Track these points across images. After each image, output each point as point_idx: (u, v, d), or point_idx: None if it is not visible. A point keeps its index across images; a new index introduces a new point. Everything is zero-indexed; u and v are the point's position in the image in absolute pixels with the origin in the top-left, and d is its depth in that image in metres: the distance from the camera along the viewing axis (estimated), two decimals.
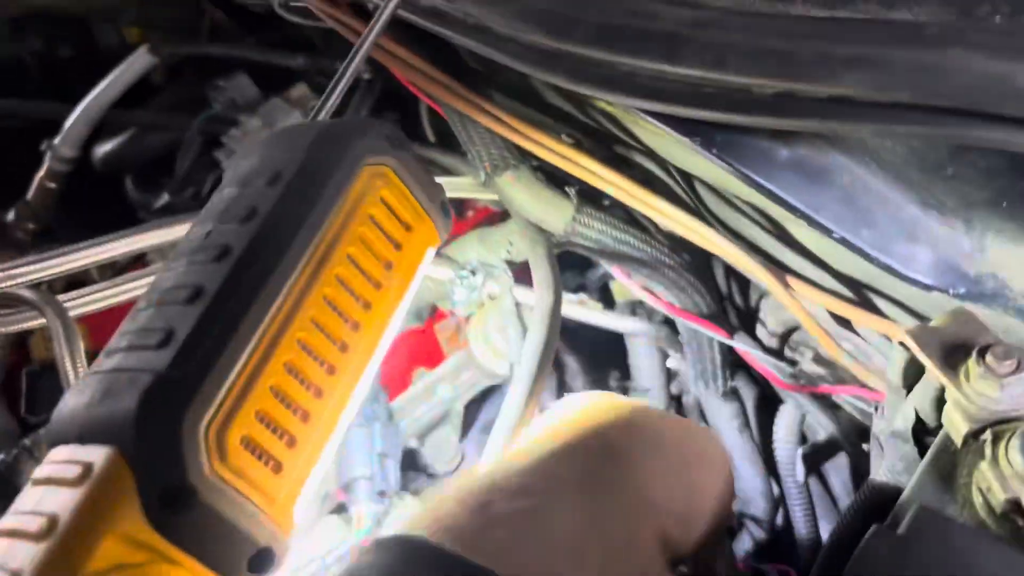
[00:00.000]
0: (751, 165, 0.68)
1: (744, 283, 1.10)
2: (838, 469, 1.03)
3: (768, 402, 1.09)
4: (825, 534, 1.02)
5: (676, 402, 1.26)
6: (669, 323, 1.13)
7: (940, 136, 0.59)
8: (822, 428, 0.96)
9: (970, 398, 0.56)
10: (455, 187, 1.05)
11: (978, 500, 0.56)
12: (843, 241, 0.68)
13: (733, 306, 1.13)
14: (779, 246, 0.91)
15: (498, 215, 1.16)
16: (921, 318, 0.82)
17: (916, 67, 0.56)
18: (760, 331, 1.07)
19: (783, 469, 1.00)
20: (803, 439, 1.03)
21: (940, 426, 0.67)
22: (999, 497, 0.52)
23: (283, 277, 0.54)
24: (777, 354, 1.06)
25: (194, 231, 0.58)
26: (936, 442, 0.60)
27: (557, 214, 0.92)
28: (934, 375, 0.60)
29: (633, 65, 0.67)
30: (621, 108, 0.89)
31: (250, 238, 0.54)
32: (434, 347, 1.19)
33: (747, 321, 1.10)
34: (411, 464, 1.17)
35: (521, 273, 1.06)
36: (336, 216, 0.59)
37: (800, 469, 0.95)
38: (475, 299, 1.03)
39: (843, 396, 0.94)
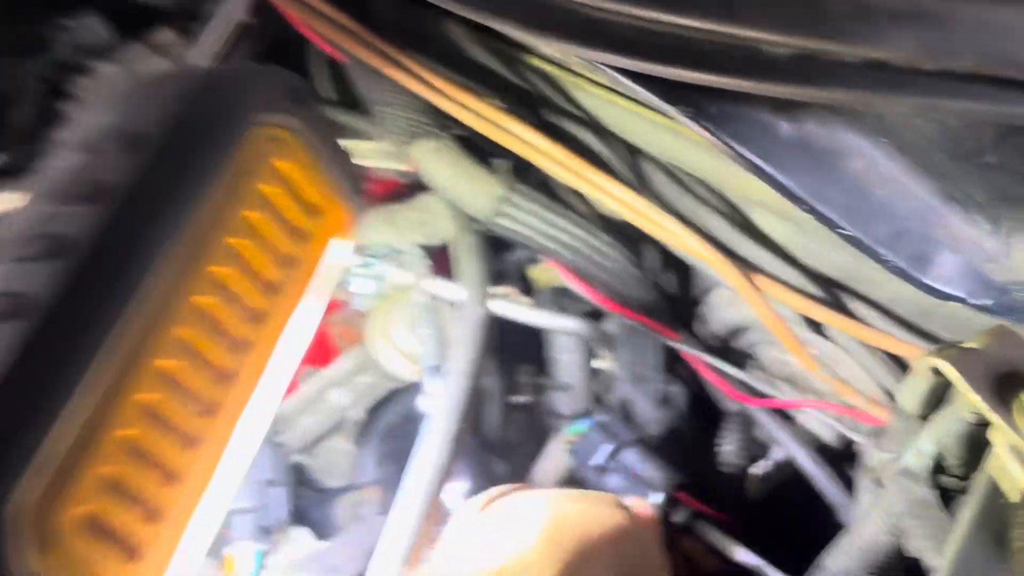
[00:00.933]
0: (748, 143, 0.55)
1: (682, 275, 0.98)
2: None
3: (707, 409, 0.98)
4: None
5: (597, 401, 1.13)
6: (596, 315, 1.00)
7: (1002, 116, 0.47)
8: (777, 444, 0.85)
9: None
10: (359, 153, 0.89)
11: None
12: (852, 239, 0.57)
13: (669, 301, 1.01)
14: (738, 235, 0.79)
15: (407, 188, 1.00)
16: (906, 325, 0.72)
17: (983, 27, 0.44)
18: (699, 329, 0.96)
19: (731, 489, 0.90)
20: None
21: (966, 468, 0.57)
22: None
23: (140, 284, 0.38)
24: (724, 355, 0.95)
25: (21, 213, 0.41)
26: (977, 493, 0.49)
27: (484, 193, 0.77)
28: (978, 409, 0.49)
29: (607, 8, 0.53)
30: (567, 68, 0.75)
31: (96, 227, 0.38)
32: (325, 342, 1.02)
33: (686, 315, 0.98)
34: (295, 477, 1.00)
35: (437, 258, 0.91)
36: (215, 194, 0.43)
37: (752, 489, 0.84)
38: (378, 291, 0.87)
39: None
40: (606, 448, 0.84)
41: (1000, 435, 0.46)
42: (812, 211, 0.57)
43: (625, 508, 0.68)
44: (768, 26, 0.49)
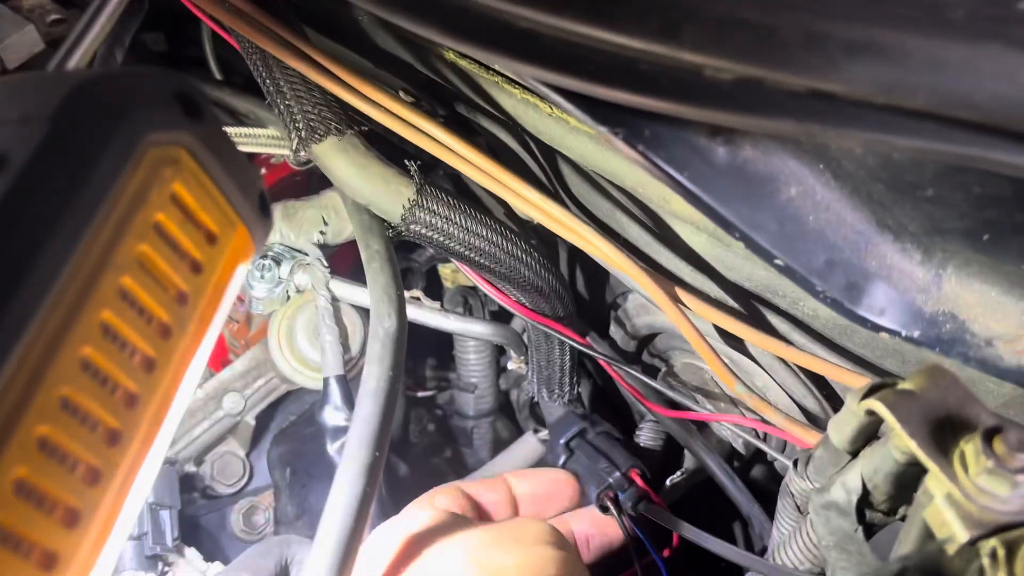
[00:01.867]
0: (681, 167, 0.52)
1: (599, 279, 0.96)
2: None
3: (617, 413, 0.96)
4: None
5: (506, 396, 1.10)
6: (507, 315, 0.97)
7: (951, 156, 0.45)
8: (689, 452, 0.84)
9: (970, 496, 0.43)
10: (252, 141, 0.82)
11: None
12: (786, 270, 0.54)
13: (583, 304, 0.99)
14: (656, 245, 0.76)
15: (306, 179, 0.93)
16: (826, 342, 0.71)
17: (939, 65, 0.42)
18: (615, 332, 0.94)
19: None
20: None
21: (893, 503, 0.56)
22: None
23: (15, 344, 0.33)
24: (637, 360, 0.93)
25: None
26: (910, 538, 0.48)
27: (394, 195, 0.72)
28: (915, 456, 0.47)
29: (540, 22, 0.48)
30: (484, 65, 0.71)
31: None
32: (217, 342, 0.95)
33: (597, 319, 0.96)
34: (185, 483, 0.94)
35: (341, 258, 0.85)
36: (101, 229, 0.37)
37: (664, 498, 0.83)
38: (278, 295, 0.81)
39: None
40: (576, 428, 0.86)
41: (938, 484, 0.45)
42: (745, 239, 0.54)
43: (561, 544, 0.64)
44: (716, 51, 0.45)
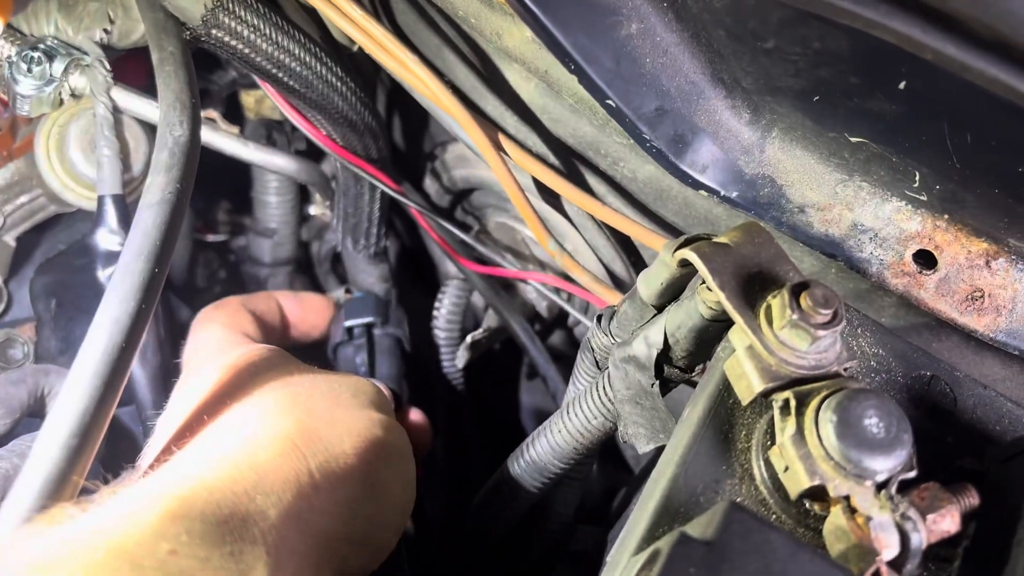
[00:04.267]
0: None
1: (417, 125, 0.90)
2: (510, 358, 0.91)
3: (426, 270, 0.93)
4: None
5: (305, 249, 1.04)
6: (313, 155, 0.90)
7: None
8: (493, 311, 0.82)
9: (771, 349, 0.43)
10: None
11: (760, 475, 0.45)
12: (616, 112, 0.52)
13: (399, 151, 0.93)
14: (484, 90, 0.72)
15: None
16: (639, 206, 0.70)
17: None
18: (429, 184, 0.89)
19: (443, 354, 0.86)
20: (473, 322, 0.89)
21: (690, 360, 0.56)
22: (801, 482, 0.41)
23: None
24: (450, 215, 0.89)
25: None
26: (708, 391, 0.48)
27: None
28: (723, 307, 0.47)
29: None
30: None
31: None
32: None
33: (413, 169, 0.91)
34: None
35: (130, 71, 0.75)
36: None
37: (463, 356, 0.81)
38: (49, 96, 0.70)
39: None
40: (368, 319, 0.81)
41: (740, 336, 0.45)
42: (579, 72, 0.51)
43: (387, 408, 0.61)
44: None
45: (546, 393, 0.84)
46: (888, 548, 0.39)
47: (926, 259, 0.54)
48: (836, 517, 0.41)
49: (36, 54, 0.69)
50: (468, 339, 0.82)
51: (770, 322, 0.43)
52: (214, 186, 1.02)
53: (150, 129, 0.73)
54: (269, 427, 0.49)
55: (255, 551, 0.42)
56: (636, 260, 0.75)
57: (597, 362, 0.62)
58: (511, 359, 0.89)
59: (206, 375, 0.56)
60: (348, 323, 0.80)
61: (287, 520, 0.45)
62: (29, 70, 0.69)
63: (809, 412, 0.42)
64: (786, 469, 0.42)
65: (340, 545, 0.50)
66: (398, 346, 0.81)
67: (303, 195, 0.96)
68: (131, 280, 0.48)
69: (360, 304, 0.82)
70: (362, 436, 0.53)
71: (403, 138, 0.92)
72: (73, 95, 0.71)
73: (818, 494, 0.42)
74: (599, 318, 0.60)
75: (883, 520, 0.40)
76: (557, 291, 0.79)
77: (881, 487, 0.40)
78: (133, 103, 0.71)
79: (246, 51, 0.65)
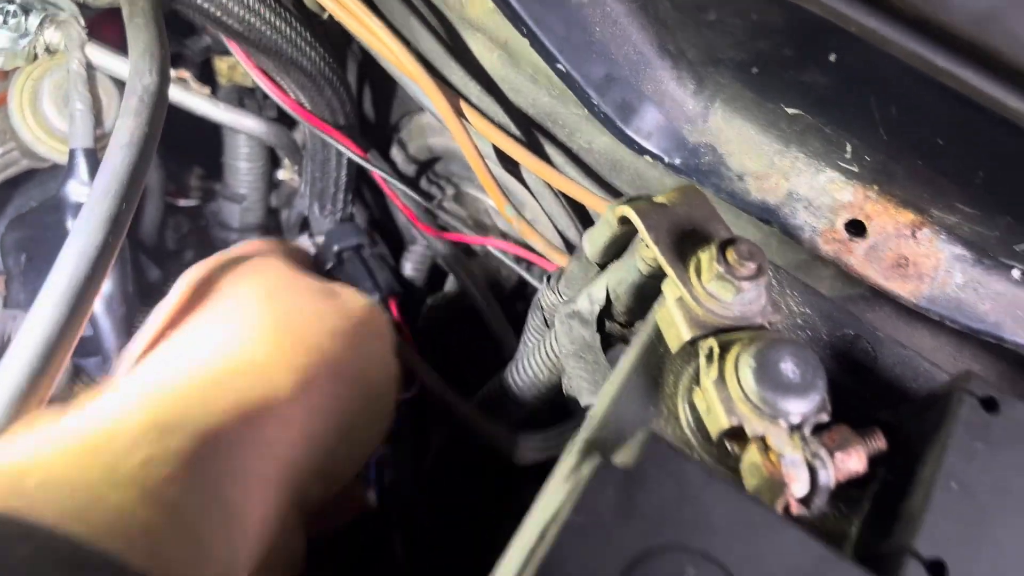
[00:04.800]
0: None
1: (385, 94, 0.93)
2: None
3: (392, 236, 0.95)
4: None
5: (274, 216, 1.06)
6: (283, 122, 0.92)
7: None
8: (454, 276, 0.85)
9: (699, 300, 0.46)
10: None
11: (685, 417, 0.48)
12: (567, 77, 0.54)
13: (366, 118, 0.96)
14: (448, 59, 0.74)
15: None
16: (595, 176, 0.73)
17: None
18: (396, 154, 0.92)
19: None
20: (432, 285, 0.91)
21: (631, 316, 0.59)
22: (720, 422, 0.44)
23: None
24: (414, 184, 0.91)
25: None
26: (641, 340, 0.51)
27: None
28: (656, 261, 0.50)
29: None
30: None
31: None
32: None
33: (380, 139, 0.93)
34: None
35: (106, 31, 0.76)
36: None
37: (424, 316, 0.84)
38: (24, 50, 0.72)
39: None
40: (355, 240, 0.85)
41: (672, 288, 0.48)
42: (532, 37, 0.54)
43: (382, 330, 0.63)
44: None
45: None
46: (798, 482, 0.42)
47: (856, 228, 0.58)
48: (752, 454, 0.43)
49: (12, 7, 0.70)
50: (428, 301, 0.84)
51: (699, 275, 0.46)
52: (187, 151, 1.04)
53: (122, 86, 0.75)
54: (256, 337, 0.51)
55: (225, 470, 0.44)
56: (590, 228, 0.78)
57: (546, 320, 0.65)
58: (471, 324, 0.91)
59: (201, 264, 0.59)
60: (337, 247, 0.84)
61: (258, 445, 0.47)
62: (5, 22, 0.70)
63: (731, 358, 0.45)
64: (708, 411, 0.45)
65: (304, 476, 0.51)
66: (386, 261, 0.86)
67: (273, 161, 0.98)
68: (98, 215, 0.50)
69: (347, 229, 0.86)
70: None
71: (372, 108, 0.95)
72: (48, 50, 0.73)
73: (737, 435, 0.45)
74: (548, 278, 0.63)
75: (794, 457, 0.43)
76: (518, 260, 0.81)
77: (795, 429, 0.43)
78: (106, 60, 0.73)
79: (213, 10, 0.67)
